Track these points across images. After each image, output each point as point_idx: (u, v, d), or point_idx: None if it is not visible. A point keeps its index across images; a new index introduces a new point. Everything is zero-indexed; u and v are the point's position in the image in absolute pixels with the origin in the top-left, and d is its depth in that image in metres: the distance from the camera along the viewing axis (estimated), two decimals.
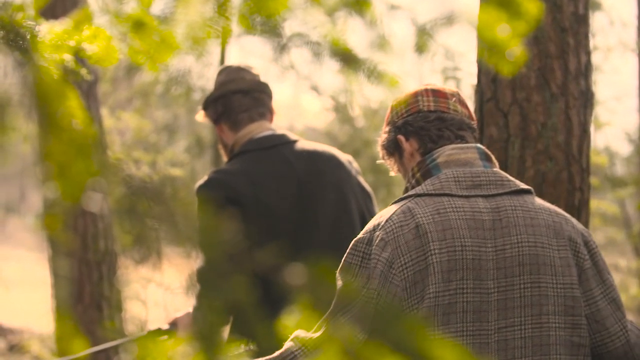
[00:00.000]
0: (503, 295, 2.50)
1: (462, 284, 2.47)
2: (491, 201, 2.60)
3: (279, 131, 4.09)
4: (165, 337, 4.06)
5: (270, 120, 4.12)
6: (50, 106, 1.32)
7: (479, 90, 4.25)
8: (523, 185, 2.70)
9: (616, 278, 11.18)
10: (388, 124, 2.86)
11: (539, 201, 2.72)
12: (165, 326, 4.02)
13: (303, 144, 4.08)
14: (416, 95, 2.82)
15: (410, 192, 2.65)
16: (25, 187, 49.38)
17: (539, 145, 4.10)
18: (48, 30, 2.02)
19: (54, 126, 1.23)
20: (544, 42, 4.09)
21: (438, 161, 2.68)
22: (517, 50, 1.34)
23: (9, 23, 1.91)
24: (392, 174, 2.96)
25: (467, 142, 2.78)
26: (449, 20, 1.42)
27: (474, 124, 2.85)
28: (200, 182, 3.87)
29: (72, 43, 2.05)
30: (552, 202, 4.08)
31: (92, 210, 7.70)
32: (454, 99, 2.81)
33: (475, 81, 4.32)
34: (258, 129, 4.02)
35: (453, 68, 10.20)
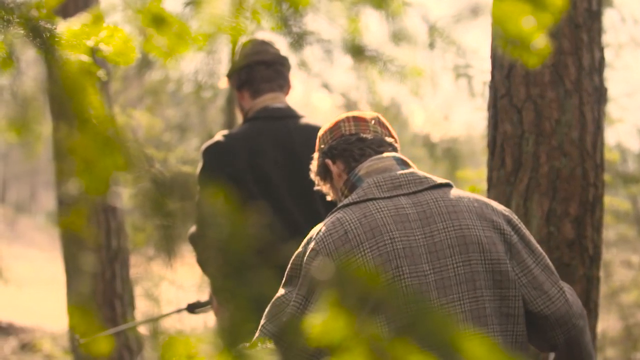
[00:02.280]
0: (439, 276, 2.75)
1: (398, 271, 2.72)
2: (413, 198, 2.86)
3: (291, 106, 4.43)
4: (203, 309, 4.30)
5: (287, 92, 4.47)
6: (74, 102, 1.33)
7: (493, 86, 4.25)
8: (441, 180, 2.95)
9: (628, 275, 11.15)
10: (317, 151, 3.16)
11: (457, 191, 2.95)
12: (204, 299, 4.35)
13: (308, 120, 4.39)
14: (338, 122, 3.11)
15: (338, 205, 2.92)
16: (36, 186, 49.46)
17: (553, 141, 4.09)
18: (65, 29, 2.02)
19: (80, 121, 1.23)
20: (558, 38, 4.09)
21: (360, 174, 2.95)
22: (541, 42, 1.34)
23: (28, 21, 1.92)
24: (329, 198, 3.20)
25: None
26: (474, 12, 1.42)
27: (394, 141, 3.11)
28: (207, 143, 4.28)
29: (89, 42, 2.05)
30: (566, 198, 4.09)
31: (113, 205, 7.73)
32: (373, 121, 3.10)
33: (486, 79, 4.32)
34: (273, 100, 4.38)
35: (465, 66, 10.16)
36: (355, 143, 3.03)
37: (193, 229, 3.99)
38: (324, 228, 2.81)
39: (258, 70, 4.37)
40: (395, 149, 3.07)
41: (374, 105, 13.09)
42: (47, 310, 16.23)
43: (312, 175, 3.17)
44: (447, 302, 2.74)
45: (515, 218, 2.94)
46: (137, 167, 1.35)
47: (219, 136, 4.28)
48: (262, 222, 3.85)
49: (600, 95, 4.21)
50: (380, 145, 3.04)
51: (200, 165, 4.19)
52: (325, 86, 12.51)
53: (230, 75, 4.47)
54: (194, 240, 4.01)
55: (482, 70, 10.25)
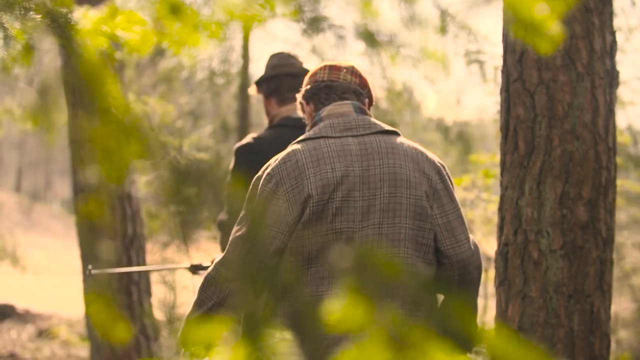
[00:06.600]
0: (367, 202, 3.26)
1: (333, 195, 3.25)
2: (359, 138, 3.36)
3: None
4: (205, 272, 4.45)
5: None
6: (94, 90, 1.35)
7: (505, 71, 4.26)
8: (389, 128, 3.44)
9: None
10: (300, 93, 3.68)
11: (402, 138, 3.45)
12: (207, 263, 4.59)
13: None
14: (317, 70, 3.61)
15: (298, 139, 3.44)
16: (51, 174, 49.56)
17: (566, 124, 4.11)
18: (83, 16, 2.04)
19: (100, 109, 1.26)
20: (569, 22, 4.10)
21: (322, 115, 3.48)
22: (554, 29, 1.36)
23: (46, 8, 1.94)
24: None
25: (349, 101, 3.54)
26: (487, 0, 1.43)
27: (361, 89, 3.57)
28: (239, 143, 4.85)
29: (106, 28, 2.07)
30: (579, 181, 4.11)
31: (129, 192, 7.76)
32: (345, 70, 3.57)
33: (497, 64, 4.34)
34: (295, 111, 4.64)
35: (476, 51, 10.13)
36: (323, 89, 3.53)
37: (222, 215, 4.45)
38: (280, 157, 3.35)
39: (285, 81, 4.91)
40: (360, 95, 3.53)
41: (386, 89, 13.09)
42: (64, 297, 16.32)
43: (299, 111, 3.68)
44: (368, 225, 3.25)
45: (445, 171, 3.42)
46: (155, 155, 1.37)
47: (249, 138, 4.82)
48: None
49: (612, 78, 4.22)
50: (344, 92, 3.51)
51: (232, 162, 4.71)
52: None
53: (259, 84, 5.02)
54: (223, 226, 4.52)
55: (494, 56, 10.22)
